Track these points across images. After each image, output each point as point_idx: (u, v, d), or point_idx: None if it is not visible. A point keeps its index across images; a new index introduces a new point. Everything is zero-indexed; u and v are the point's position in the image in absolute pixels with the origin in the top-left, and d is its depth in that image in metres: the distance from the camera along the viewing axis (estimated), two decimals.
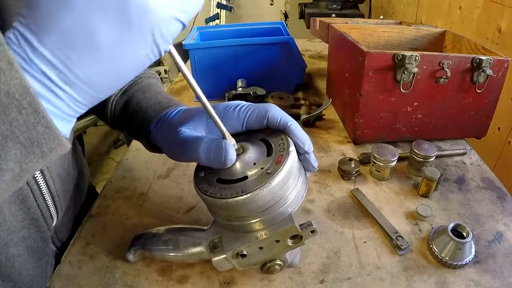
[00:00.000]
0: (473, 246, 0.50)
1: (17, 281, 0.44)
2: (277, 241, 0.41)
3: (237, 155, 0.40)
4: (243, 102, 0.42)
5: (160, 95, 0.53)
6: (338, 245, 0.54)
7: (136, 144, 0.78)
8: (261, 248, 0.42)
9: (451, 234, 0.49)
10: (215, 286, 0.48)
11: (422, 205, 0.59)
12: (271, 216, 0.39)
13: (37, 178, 0.45)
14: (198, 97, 0.36)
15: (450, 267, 0.49)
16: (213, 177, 0.41)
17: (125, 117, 0.53)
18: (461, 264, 0.49)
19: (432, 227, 0.56)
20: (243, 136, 0.44)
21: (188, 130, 0.42)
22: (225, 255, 0.43)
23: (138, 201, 0.64)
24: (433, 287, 0.47)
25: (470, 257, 0.49)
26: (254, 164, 0.39)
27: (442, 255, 0.49)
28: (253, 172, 0.39)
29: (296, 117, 0.86)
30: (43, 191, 0.46)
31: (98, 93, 0.26)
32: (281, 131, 0.42)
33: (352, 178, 0.67)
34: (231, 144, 0.38)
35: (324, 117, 0.89)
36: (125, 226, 0.58)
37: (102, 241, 0.55)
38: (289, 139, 0.41)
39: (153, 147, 0.51)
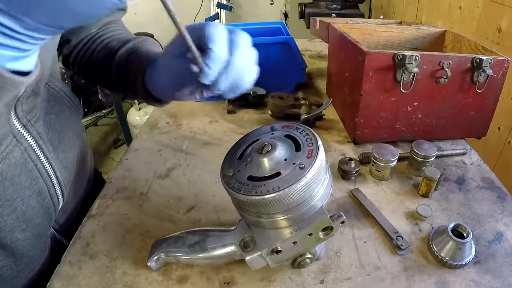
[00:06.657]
0: (473, 246, 0.50)
1: (18, 258, 0.46)
2: (310, 234, 0.42)
3: (267, 152, 0.40)
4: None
5: (158, 47, 0.60)
6: (338, 245, 0.54)
7: (136, 144, 0.78)
8: (295, 242, 0.42)
9: (451, 234, 0.49)
10: (215, 286, 0.48)
11: (422, 205, 0.58)
12: (303, 211, 0.40)
13: (48, 170, 0.47)
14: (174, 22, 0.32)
15: (450, 267, 0.49)
16: (243, 175, 0.41)
17: (128, 64, 0.55)
18: (461, 264, 0.49)
19: (432, 227, 0.56)
20: (267, 133, 0.45)
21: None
22: (259, 253, 0.43)
23: (138, 201, 0.64)
24: (433, 287, 0.47)
25: (470, 257, 0.49)
26: (285, 160, 0.40)
27: (442, 255, 0.49)
28: (285, 167, 0.39)
29: (296, 117, 0.86)
30: (53, 182, 0.48)
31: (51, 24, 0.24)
32: (303, 125, 0.43)
33: (352, 178, 0.67)
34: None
35: (324, 117, 0.89)
36: (125, 226, 0.58)
37: (102, 241, 0.55)
38: (315, 134, 0.42)
39: (149, 94, 0.52)
